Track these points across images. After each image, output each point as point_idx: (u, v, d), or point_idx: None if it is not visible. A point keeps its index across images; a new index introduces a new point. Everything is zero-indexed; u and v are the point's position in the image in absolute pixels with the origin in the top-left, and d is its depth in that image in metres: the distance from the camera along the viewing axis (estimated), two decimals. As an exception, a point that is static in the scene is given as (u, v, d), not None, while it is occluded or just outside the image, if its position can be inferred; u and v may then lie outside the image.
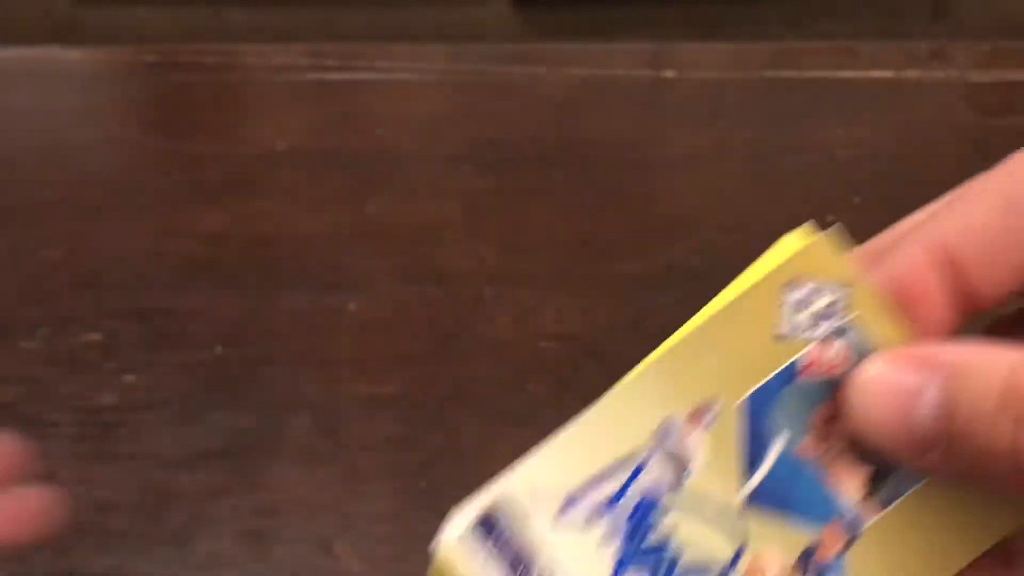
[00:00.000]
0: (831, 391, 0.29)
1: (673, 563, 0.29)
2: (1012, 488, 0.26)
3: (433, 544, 0.27)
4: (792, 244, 0.29)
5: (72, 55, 0.66)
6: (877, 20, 0.71)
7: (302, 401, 0.54)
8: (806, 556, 0.29)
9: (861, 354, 0.28)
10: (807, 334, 0.29)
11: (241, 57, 0.65)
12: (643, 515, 0.29)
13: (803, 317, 0.29)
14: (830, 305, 0.29)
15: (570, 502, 0.29)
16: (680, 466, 0.29)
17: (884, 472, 0.29)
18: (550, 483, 0.29)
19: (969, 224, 0.28)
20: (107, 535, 0.50)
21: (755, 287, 0.29)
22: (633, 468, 0.29)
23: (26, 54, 0.65)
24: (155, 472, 0.52)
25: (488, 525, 0.28)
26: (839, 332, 0.29)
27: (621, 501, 0.29)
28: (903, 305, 0.29)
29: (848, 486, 0.29)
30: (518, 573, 0.28)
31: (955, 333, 0.29)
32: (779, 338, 0.29)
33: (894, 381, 0.27)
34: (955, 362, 0.26)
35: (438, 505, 0.28)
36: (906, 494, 0.29)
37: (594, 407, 0.29)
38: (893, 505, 0.29)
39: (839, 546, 0.29)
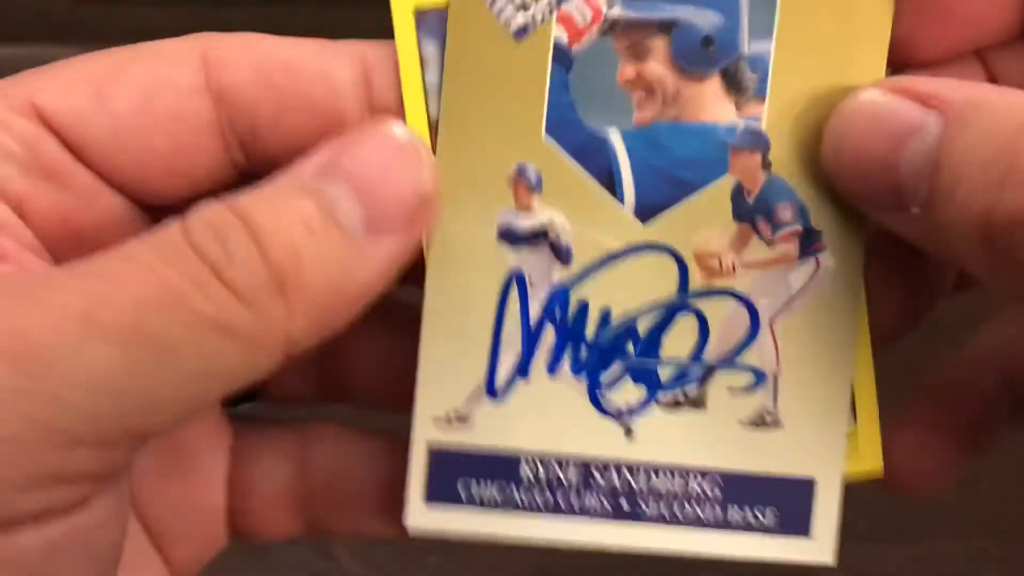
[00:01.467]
0: (611, 38, 0.25)
1: (632, 331, 0.25)
2: (981, 264, 0.22)
3: None
4: None
5: (71, 54, 0.65)
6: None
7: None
8: (739, 202, 0.25)
9: None
10: (537, 12, 0.25)
11: (240, 56, 0.65)
12: (561, 318, 0.25)
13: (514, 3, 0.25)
14: None
15: (491, 380, 0.25)
16: (548, 246, 0.25)
17: (730, 68, 0.25)
18: (461, 383, 0.25)
19: None
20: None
21: (451, 26, 0.26)
22: (514, 285, 0.25)
23: (25, 53, 0.65)
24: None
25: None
26: None
27: (531, 329, 0.25)
28: None
29: (711, 110, 0.25)
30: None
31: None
32: (517, 39, 0.25)
33: (891, 112, 0.22)
34: (970, 98, 0.21)
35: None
36: (771, 58, 0.24)
37: (427, 288, 0.25)
38: (770, 78, 0.24)
39: (757, 166, 0.25)
